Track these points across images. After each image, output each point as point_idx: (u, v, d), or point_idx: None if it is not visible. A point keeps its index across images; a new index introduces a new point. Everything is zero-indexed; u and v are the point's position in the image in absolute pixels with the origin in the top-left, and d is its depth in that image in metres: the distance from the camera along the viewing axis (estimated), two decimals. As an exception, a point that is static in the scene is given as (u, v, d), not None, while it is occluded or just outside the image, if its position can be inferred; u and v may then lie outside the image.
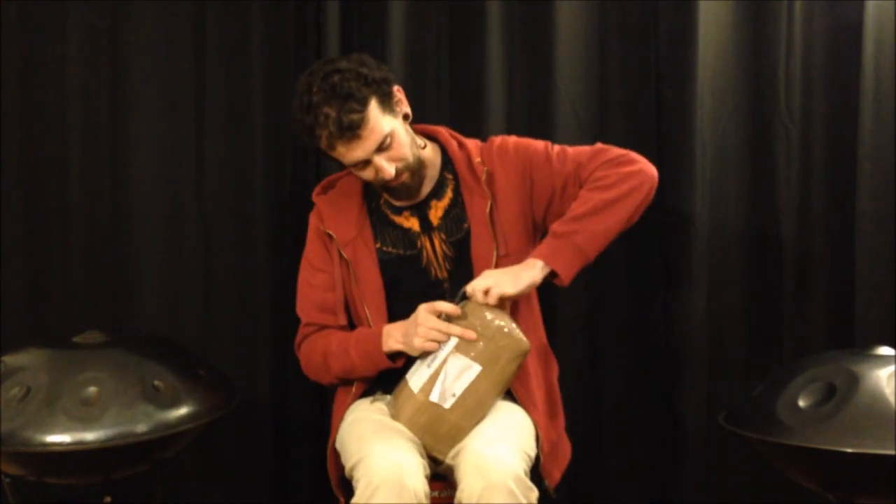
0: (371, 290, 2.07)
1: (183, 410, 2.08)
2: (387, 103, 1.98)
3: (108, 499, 2.19)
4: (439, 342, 1.90)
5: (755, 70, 2.63)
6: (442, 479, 1.98)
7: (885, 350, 2.09)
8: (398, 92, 2.03)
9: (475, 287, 1.92)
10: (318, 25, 2.58)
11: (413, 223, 2.09)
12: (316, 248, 2.15)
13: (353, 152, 1.95)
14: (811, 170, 2.64)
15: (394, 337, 1.98)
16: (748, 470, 2.63)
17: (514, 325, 1.91)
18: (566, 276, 1.96)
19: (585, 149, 2.10)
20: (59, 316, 2.61)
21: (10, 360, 2.12)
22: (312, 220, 2.19)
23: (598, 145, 2.10)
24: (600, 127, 2.65)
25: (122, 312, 2.62)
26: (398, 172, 2.00)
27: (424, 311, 1.93)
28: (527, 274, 1.94)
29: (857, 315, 2.53)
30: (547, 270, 1.95)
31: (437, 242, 2.08)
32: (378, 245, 2.09)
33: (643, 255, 2.65)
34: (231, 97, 2.63)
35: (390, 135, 1.97)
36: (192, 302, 2.65)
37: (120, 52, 2.59)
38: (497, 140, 2.16)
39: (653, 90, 2.62)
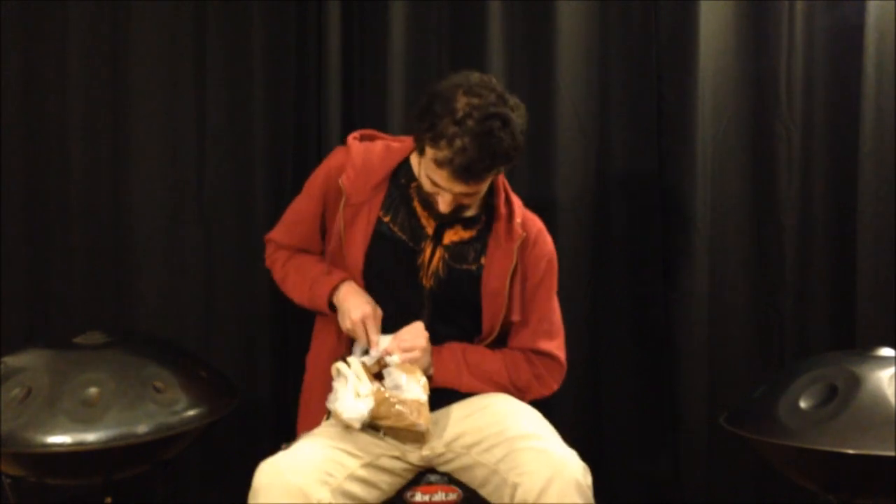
0: (354, 255, 2.02)
1: (184, 411, 2.08)
2: (503, 170, 1.98)
3: (108, 499, 2.18)
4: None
5: (756, 70, 2.63)
6: (447, 483, 1.97)
7: (886, 351, 2.10)
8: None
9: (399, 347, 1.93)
10: (318, 25, 2.58)
11: (430, 225, 2.03)
12: (317, 191, 2.09)
13: (447, 184, 1.89)
14: (811, 170, 2.64)
15: (341, 298, 1.99)
16: (748, 470, 2.64)
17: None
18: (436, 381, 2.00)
19: (553, 335, 2.13)
20: (60, 316, 2.61)
21: (11, 360, 2.12)
22: (336, 158, 2.09)
23: (557, 354, 2.12)
24: (600, 127, 2.65)
25: (122, 313, 2.62)
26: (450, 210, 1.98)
27: (369, 314, 1.95)
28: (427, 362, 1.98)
29: (858, 315, 2.54)
30: (429, 373, 1.99)
31: (437, 256, 2.03)
32: (380, 215, 2.02)
33: (644, 255, 2.65)
34: (231, 97, 2.62)
35: (479, 192, 1.96)
36: (192, 302, 2.64)
37: (120, 51, 2.59)
38: (541, 232, 2.11)
39: (653, 90, 2.62)
